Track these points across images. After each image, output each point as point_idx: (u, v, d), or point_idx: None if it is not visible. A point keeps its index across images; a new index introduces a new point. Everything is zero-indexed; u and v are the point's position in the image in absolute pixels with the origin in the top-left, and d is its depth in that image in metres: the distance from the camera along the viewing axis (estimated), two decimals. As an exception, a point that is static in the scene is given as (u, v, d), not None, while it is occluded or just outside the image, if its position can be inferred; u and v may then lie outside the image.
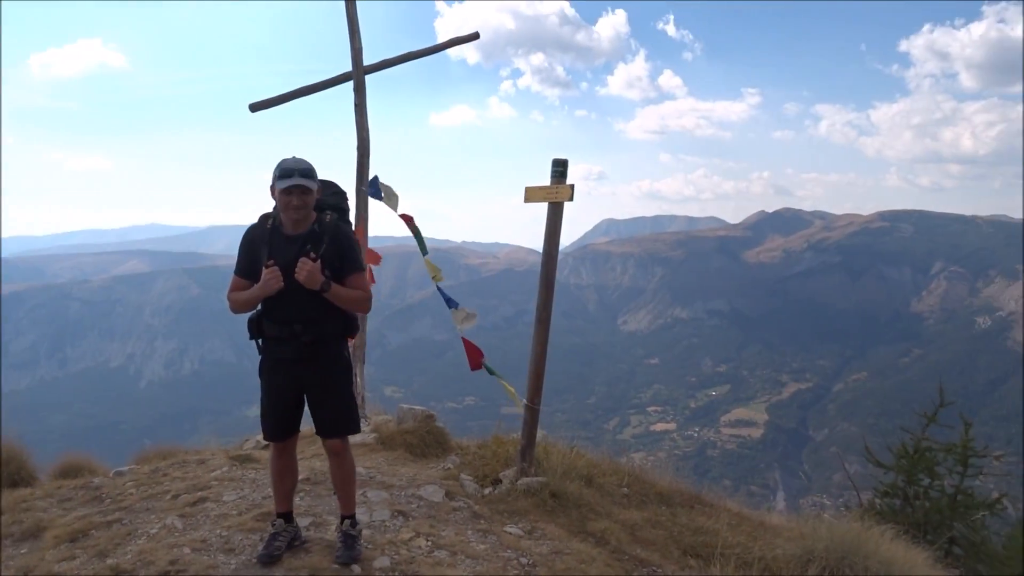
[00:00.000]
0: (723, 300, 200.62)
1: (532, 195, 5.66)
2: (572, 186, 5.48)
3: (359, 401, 7.96)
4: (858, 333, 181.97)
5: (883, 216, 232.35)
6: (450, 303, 7.33)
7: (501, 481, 5.13)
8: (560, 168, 5.52)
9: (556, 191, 5.49)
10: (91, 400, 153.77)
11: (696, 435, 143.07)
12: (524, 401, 5.64)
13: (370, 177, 8.20)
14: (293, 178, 3.97)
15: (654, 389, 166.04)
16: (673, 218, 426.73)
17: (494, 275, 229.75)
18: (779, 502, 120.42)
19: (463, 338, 6.89)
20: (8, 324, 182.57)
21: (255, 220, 4.25)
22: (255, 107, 7.94)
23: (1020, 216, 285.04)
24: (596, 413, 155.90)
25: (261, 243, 4.11)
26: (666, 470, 7.29)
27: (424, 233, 8.35)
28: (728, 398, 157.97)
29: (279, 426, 4.24)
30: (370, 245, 8.62)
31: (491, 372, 6.81)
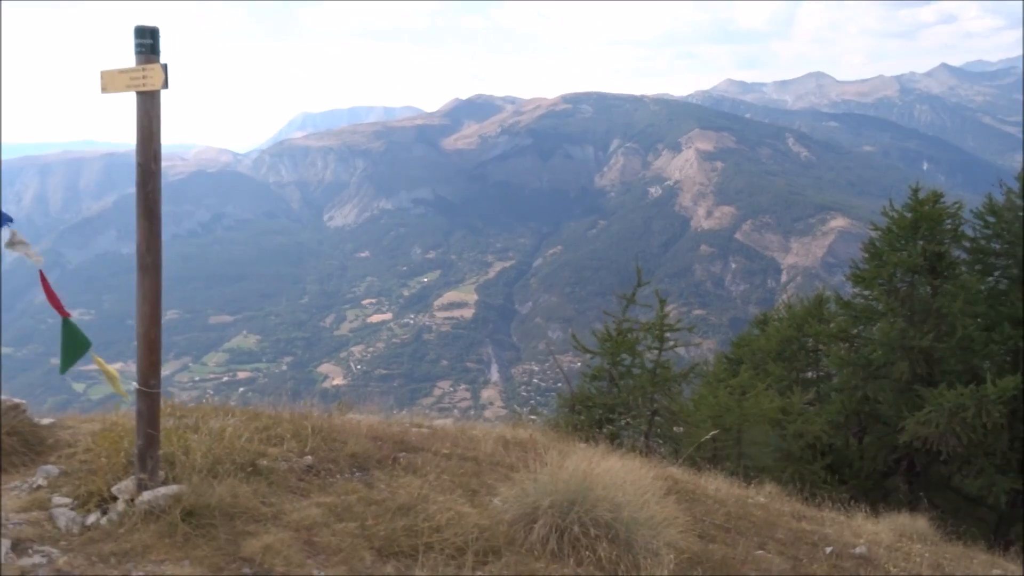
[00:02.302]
0: (426, 188, 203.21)
1: (111, 83, 4.01)
2: (164, 66, 3.88)
3: None
4: (551, 210, 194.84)
5: (566, 99, 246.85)
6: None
7: (116, 499, 3.46)
8: (146, 41, 3.86)
9: (143, 76, 3.85)
10: None
11: (412, 322, 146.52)
12: (134, 385, 3.78)
13: None
14: None
15: (367, 282, 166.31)
16: (370, 109, 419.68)
17: (184, 178, 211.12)
18: (493, 374, 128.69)
19: (42, 279, 4.69)
20: None
21: None
22: None
23: (680, 94, 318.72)
24: (311, 312, 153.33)
25: None
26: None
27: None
28: (439, 283, 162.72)
29: None
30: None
31: (77, 340, 4.52)
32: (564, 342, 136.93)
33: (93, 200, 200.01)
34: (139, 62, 3.91)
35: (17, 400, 4.66)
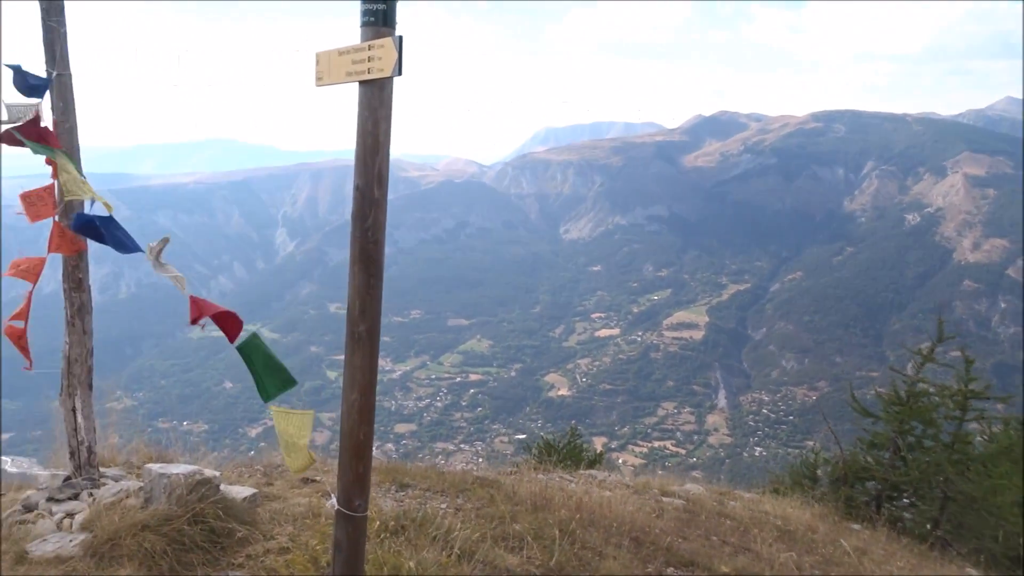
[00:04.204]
0: (662, 205, 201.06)
1: (328, 70, 3.00)
2: (399, 39, 2.75)
3: (83, 454, 5.05)
4: (793, 234, 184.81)
5: (816, 116, 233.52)
6: (125, 245, 4.06)
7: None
8: (377, 5, 2.79)
9: (368, 57, 2.81)
10: (32, 327, 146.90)
11: (639, 339, 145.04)
12: (333, 501, 2.81)
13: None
14: None
15: (597, 296, 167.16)
16: (611, 124, 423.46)
17: (434, 187, 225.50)
18: (720, 400, 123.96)
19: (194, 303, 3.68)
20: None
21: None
22: None
23: (947, 113, 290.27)
24: (541, 322, 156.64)
25: None
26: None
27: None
28: (669, 302, 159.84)
29: None
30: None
31: (253, 367, 3.47)
32: (799, 373, 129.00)
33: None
34: (365, 37, 2.84)
35: (209, 472, 3.98)
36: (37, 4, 4.84)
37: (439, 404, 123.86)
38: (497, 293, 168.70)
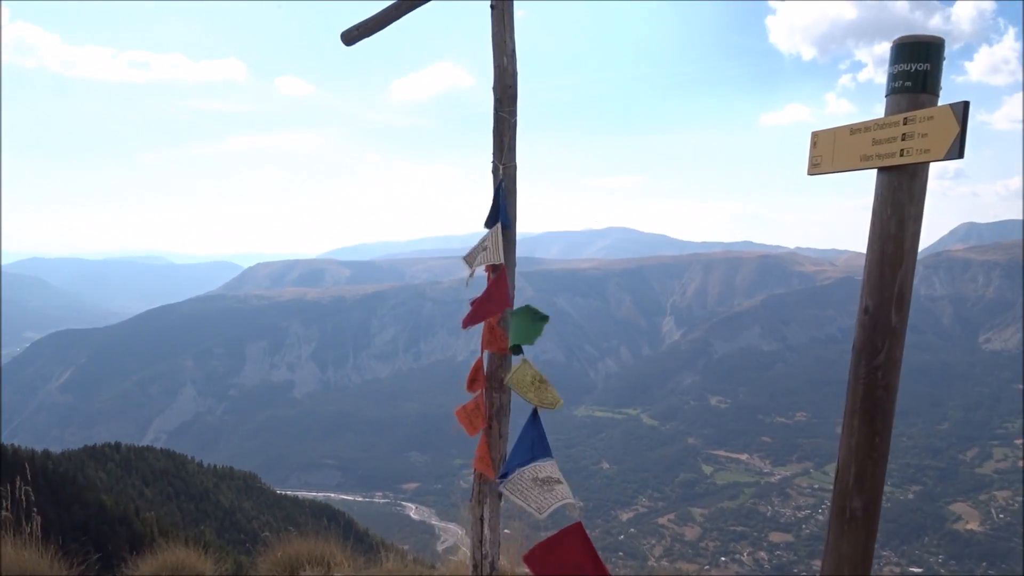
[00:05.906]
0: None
1: (832, 152, 2.49)
2: (963, 105, 2.20)
3: (485, 568, 4.88)
4: None
5: None
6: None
7: None
8: (917, 65, 2.29)
9: (902, 134, 2.28)
10: (440, 390, 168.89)
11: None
12: None
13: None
14: None
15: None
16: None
17: (831, 284, 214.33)
18: None
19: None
20: (374, 319, 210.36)
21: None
22: (349, 38, 4.91)
23: None
24: (949, 441, 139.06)
25: None
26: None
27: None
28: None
29: None
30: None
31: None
32: None
33: (744, 297, 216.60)
34: (894, 108, 2.29)
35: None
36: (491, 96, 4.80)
37: (820, 517, 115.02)
38: (897, 404, 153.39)
